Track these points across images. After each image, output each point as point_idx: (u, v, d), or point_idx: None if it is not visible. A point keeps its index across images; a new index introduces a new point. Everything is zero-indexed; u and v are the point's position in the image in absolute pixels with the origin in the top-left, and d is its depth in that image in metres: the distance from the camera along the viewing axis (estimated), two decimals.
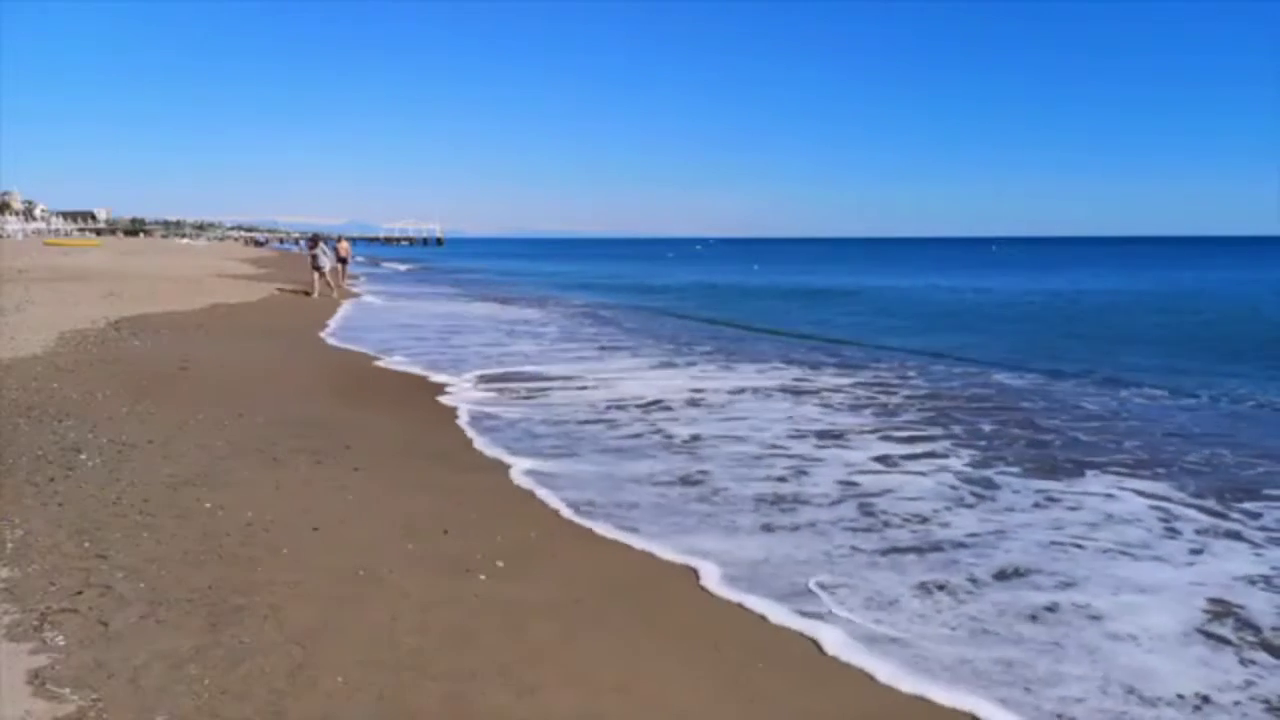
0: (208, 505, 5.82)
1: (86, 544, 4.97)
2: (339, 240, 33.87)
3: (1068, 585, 5.14)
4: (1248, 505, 6.74)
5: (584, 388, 11.70)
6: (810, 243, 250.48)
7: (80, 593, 4.34)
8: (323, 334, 16.94)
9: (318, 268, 26.45)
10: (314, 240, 28.95)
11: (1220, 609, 4.86)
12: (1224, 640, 4.49)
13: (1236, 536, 6.05)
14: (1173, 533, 6.12)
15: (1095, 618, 4.70)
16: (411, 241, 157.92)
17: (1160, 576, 5.32)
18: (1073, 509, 6.64)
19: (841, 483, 7.24)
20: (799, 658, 4.23)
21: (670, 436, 8.83)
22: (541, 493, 6.76)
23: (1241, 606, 4.89)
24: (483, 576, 4.93)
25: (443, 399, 10.65)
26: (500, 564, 5.16)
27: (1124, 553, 5.70)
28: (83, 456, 6.75)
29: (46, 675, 3.55)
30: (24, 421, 7.75)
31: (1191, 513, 6.55)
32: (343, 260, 32.69)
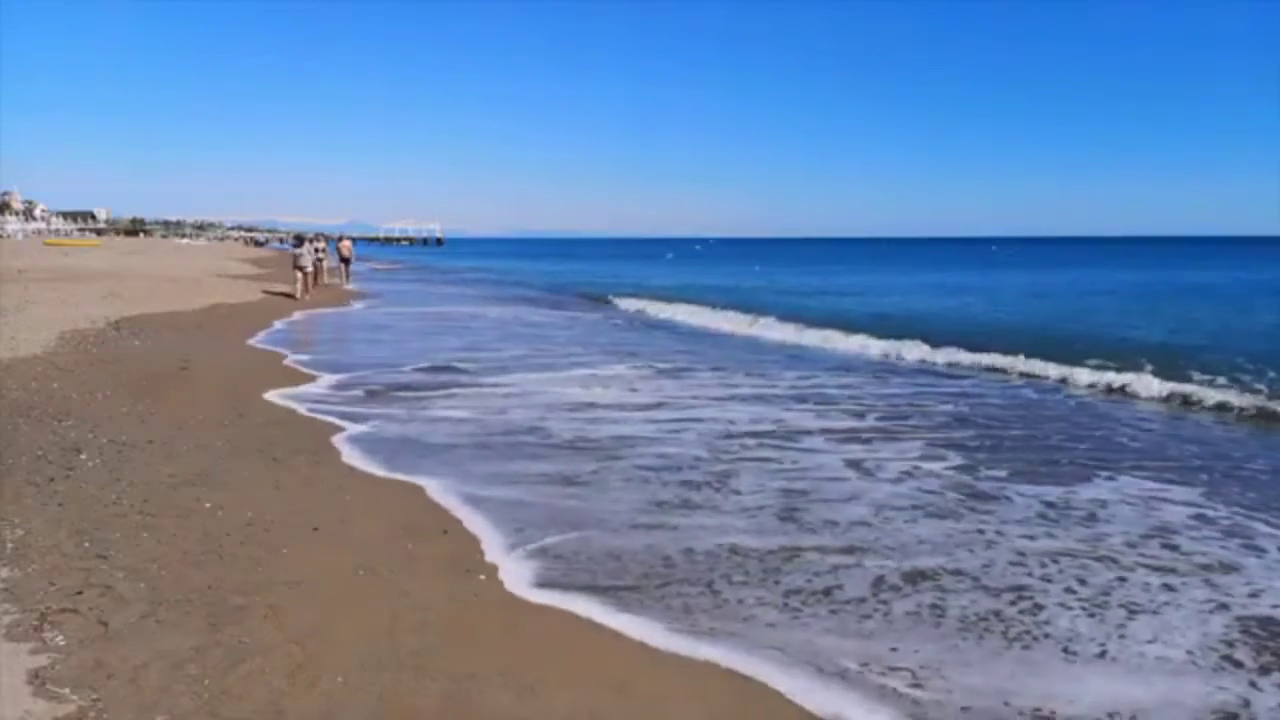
0: (208, 505, 5.82)
1: (86, 544, 4.98)
2: (340, 240, 33.52)
3: (1013, 593, 4.75)
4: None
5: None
6: (810, 242, 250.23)
7: (80, 593, 4.35)
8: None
9: (299, 267, 25.30)
10: (299, 240, 28.32)
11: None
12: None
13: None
14: (1189, 543, 5.62)
15: (1032, 636, 4.24)
16: (411, 241, 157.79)
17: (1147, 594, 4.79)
18: (1086, 522, 6.05)
19: (784, 490, 6.65)
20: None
21: (548, 436, 8.37)
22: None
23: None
24: (482, 576, 4.94)
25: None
26: (500, 564, 5.16)
27: (1137, 562, 5.29)
28: (83, 456, 6.75)
29: (46, 675, 3.55)
30: (24, 421, 7.75)
31: (1221, 517, 6.17)
32: (345, 260, 32.38)
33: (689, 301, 26.41)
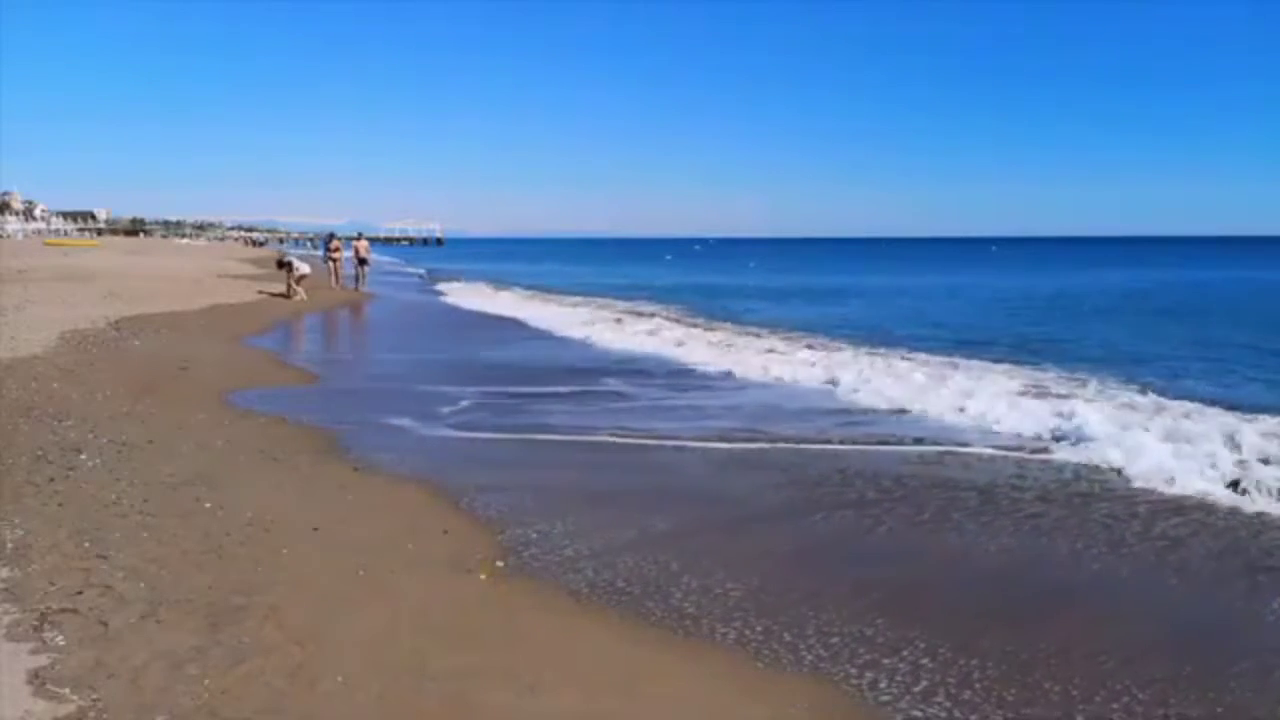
0: (208, 505, 5.82)
1: (86, 544, 4.97)
2: (358, 238, 32.17)
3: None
4: None
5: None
6: (810, 243, 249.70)
7: (80, 593, 4.34)
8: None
9: (292, 272, 24.31)
10: (279, 263, 27.08)
11: None
12: None
13: None
14: None
15: None
16: (411, 241, 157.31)
17: None
18: None
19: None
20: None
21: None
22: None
23: None
24: (483, 576, 4.93)
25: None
26: (500, 564, 5.16)
27: None
28: (83, 456, 6.75)
29: (46, 675, 3.55)
30: (24, 421, 7.74)
31: None
32: (362, 261, 30.98)
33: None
